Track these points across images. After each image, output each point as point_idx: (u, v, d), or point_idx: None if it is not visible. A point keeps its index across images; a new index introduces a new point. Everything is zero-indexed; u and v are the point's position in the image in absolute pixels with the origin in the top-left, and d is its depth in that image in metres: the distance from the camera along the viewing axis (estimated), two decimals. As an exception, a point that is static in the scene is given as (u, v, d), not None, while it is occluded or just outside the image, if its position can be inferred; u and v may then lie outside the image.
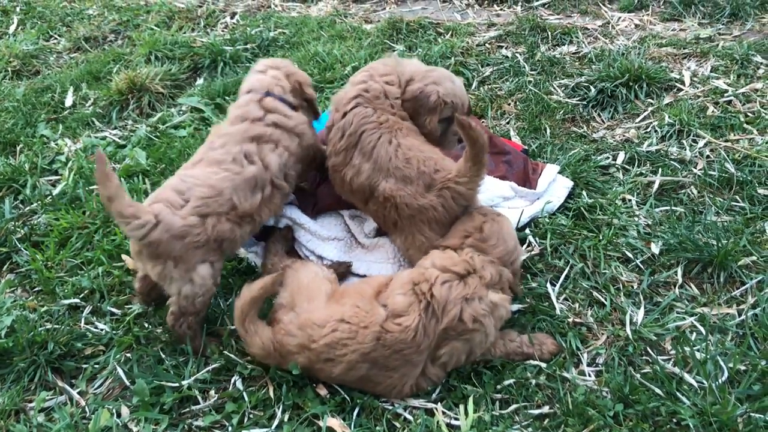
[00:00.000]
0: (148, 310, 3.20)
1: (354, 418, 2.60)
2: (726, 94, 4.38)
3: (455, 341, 2.61)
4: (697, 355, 2.71)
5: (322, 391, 2.71)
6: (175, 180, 2.96)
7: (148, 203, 2.87)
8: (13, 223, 3.80)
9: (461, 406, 2.57)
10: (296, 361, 2.68)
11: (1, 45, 5.89)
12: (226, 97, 4.84)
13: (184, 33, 5.91)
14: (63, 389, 2.89)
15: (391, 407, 2.65)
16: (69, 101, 5.07)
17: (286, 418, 2.63)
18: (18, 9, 6.66)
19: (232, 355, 2.90)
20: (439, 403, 2.66)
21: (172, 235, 2.79)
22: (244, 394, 2.75)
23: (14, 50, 5.73)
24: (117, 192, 2.67)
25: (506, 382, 2.72)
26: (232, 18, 6.23)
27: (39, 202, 3.94)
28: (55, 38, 6.18)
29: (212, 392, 2.79)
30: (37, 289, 3.41)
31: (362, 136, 3.06)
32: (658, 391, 2.60)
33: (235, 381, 2.83)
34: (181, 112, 4.79)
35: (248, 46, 5.53)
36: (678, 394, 2.57)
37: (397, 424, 2.60)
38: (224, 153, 3.00)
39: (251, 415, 2.68)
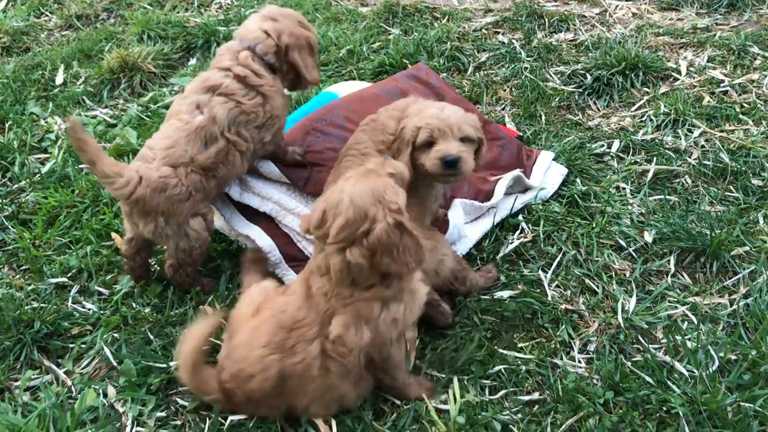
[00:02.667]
0: (135, 289, 3.17)
1: (342, 402, 2.59)
2: (722, 85, 4.36)
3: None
4: (688, 344, 2.70)
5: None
6: (150, 139, 3.02)
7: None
8: (0, 200, 3.75)
9: (450, 391, 2.55)
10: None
11: (-9, 21, 5.82)
12: (219, 78, 4.78)
13: (178, 12, 5.85)
14: (49, 368, 2.86)
15: (379, 392, 2.63)
16: (59, 79, 5.02)
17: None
18: (9, -15, 6.58)
19: (217, 341, 2.87)
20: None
21: (153, 189, 2.82)
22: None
23: (4, 26, 5.66)
24: (97, 154, 2.72)
25: (495, 369, 2.70)
26: (226, -2, 6.17)
27: (27, 180, 3.89)
28: (47, 15, 6.10)
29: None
30: (24, 267, 3.37)
31: (343, 160, 2.94)
32: (648, 379, 2.59)
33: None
34: (173, 92, 4.73)
35: (242, 26, 5.47)
36: (668, 382, 2.56)
37: (386, 409, 2.58)
38: (182, 103, 3.00)
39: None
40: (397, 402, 2.59)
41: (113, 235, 3.41)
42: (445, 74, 4.70)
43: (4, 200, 3.76)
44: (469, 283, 2.98)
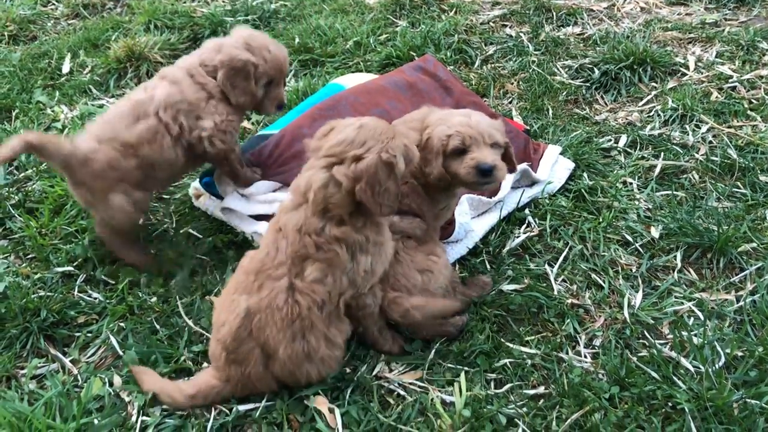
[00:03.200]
0: (141, 279, 3.17)
1: (348, 395, 2.58)
2: (731, 80, 4.35)
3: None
4: (695, 340, 2.70)
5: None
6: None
7: None
8: (7, 189, 3.76)
9: (455, 384, 2.55)
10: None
11: (-3, 9, 5.81)
12: (226, 69, 4.77)
13: (184, 3, 5.84)
14: (55, 357, 2.86)
15: (385, 384, 2.63)
16: (66, 68, 5.01)
17: (278, 395, 2.61)
18: (16, -27, 6.56)
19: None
20: (433, 384, 2.65)
21: (78, 161, 2.98)
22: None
23: (11, 15, 5.65)
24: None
25: (501, 362, 2.70)
26: (233, -11, 6.14)
27: (34, 168, 3.89)
28: (53, 4, 6.10)
29: (205, 364, 2.76)
30: (30, 256, 3.37)
31: None
32: (654, 374, 2.58)
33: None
34: (179, 82, 4.72)
35: (249, 17, 5.46)
36: (674, 378, 2.55)
37: (391, 401, 2.58)
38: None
39: (244, 389, 2.66)
40: (402, 394, 2.59)
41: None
42: (452, 67, 4.69)
43: (11, 189, 3.76)
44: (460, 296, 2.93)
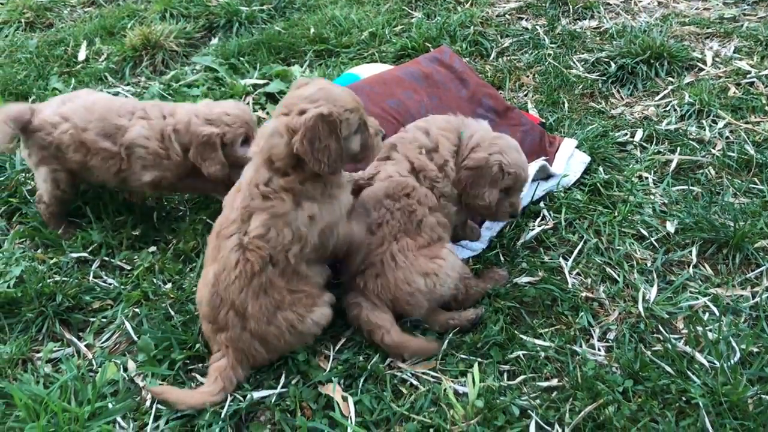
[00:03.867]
0: (156, 265, 3.18)
1: (360, 384, 2.59)
2: (748, 76, 4.31)
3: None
4: (710, 335, 2.69)
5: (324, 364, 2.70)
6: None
7: None
8: (23, 174, 3.77)
9: (468, 375, 2.56)
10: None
11: (15, -4, 5.83)
12: (241, 58, 4.79)
13: (200, -9, 5.82)
14: (70, 341, 2.89)
15: (398, 374, 2.64)
16: (82, 55, 5.03)
17: (292, 382, 2.62)
18: (33, -40, 6.57)
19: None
20: (447, 375, 2.65)
21: (31, 128, 3.26)
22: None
23: (28, 2, 5.68)
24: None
25: (514, 354, 2.69)
26: (248, -22, 6.14)
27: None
28: (70, -9, 6.11)
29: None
30: (45, 241, 3.39)
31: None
32: (668, 369, 2.57)
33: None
34: (194, 71, 4.74)
35: (264, 7, 5.47)
36: (688, 372, 2.54)
37: (404, 390, 2.58)
38: (139, 106, 3.36)
39: (257, 376, 2.67)
40: (415, 383, 2.60)
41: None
42: (467, 59, 4.68)
43: (27, 174, 3.78)
44: (473, 297, 2.91)
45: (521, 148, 3.51)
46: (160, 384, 2.63)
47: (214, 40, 5.17)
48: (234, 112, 3.24)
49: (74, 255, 3.26)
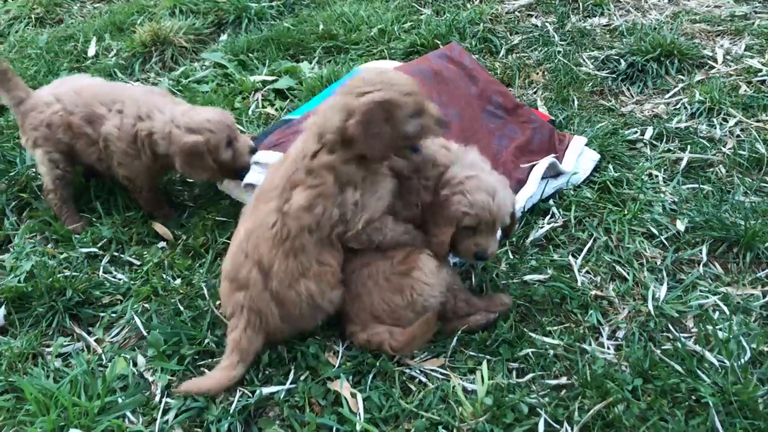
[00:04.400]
0: (165, 261, 3.19)
1: (369, 381, 2.59)
2: (760, 74, 4.28)
3: None
4: (720, 334, 2.67)
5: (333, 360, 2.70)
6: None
7: None
8: (33, 170, 3.79)
9: (477, 372, 2.55)
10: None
11: (25, -8, 5.85)
12: (250, 54, 4.79)
13: (209, -13, 5.83)
14: (80, 336, 2.90)
15: (407, 370, 2.64)
16: (92, 51, 5.04)
17: (301, 378, 2.62)
18: (42, -44, 6.59)
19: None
20: (455, 372, 2.65)
21: (25, 108, 3.36)
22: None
23: (38, -3, 5.69)
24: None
25: (523, 352, 2.69)
26: (257, -26, 6.13)
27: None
28: (80, -13, 6.13)
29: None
30: (55, 236, 3.41)
31: None
32: (678, 367, 2.56)
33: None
34: (204, 67, 4.75)
35: (274, 3, 5.47)
36: (698, 372, 2.53)
37: (413, 387, 2.58)
38: (129, 92, 3.42)
39: (266, 372, 2.67)
40: (424, 380, 2.60)
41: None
42: (477, 56, 4.67)
43: (37, 170, 3.78)
44: (463, 309, 2.81)
45: (531, 147, 3.53)
46: (170, 379, 2.64)
47: (224, 37, 5.18)
48: (215, 117, 3.18)
49: (84, 250, 3.28)
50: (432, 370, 2.63)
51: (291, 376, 2.62)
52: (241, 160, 3.26)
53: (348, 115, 2.40)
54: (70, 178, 3.48)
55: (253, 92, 4.39)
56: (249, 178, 3.25)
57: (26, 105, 3.37)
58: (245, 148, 3.27)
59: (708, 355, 2.60)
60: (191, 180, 3.37)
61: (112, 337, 2.90)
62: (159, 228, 3.38)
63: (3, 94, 3.41)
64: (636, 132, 3.91)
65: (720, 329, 2.71)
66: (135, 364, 2.73)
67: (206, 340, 2.77)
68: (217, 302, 2.95)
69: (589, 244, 3.17)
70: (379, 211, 2.61)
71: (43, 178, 3.44)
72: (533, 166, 3.43)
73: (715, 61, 4.49)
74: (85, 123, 3.30)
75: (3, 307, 2.97)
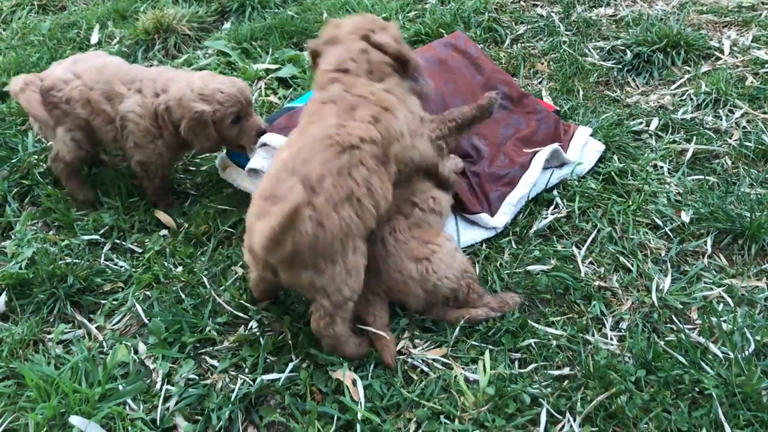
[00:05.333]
0: (167, 249, 3.18)
1: (371, 370, 2.58)
2: (767, 65, 4.24)
3: None
4: (724, 326, 2.66)
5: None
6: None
7: None
8: (35, 156, 3.78)
9: (479, 362, 2.54)
10: None
11: (27, -22, 5.81)
12: (253, 42, 4.76)
13: (213, -25, 5.80)
14: (81, 323, 2.89)
15: (409, 359, 2.63)
16: (95, 38, 5.02)
17: (302, 366, 2.61)
18: (45, -57, 6.55)
19: (245, 303, 2.88)
20: (457, 362, 2.64)
21: (43, 88, 3.32)
22: (260, 338, 2.73)
23: (41, -16, 5.66)
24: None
25: (526, 342, 2.67)
26: (261, -38, 6.09)
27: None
28: (82, -26, 6.09)
29: (230, 338, 2.77)
30: (57, 223, 3.40)
31: None
32: (681, 359, 2.54)
33: (251, 326, 2.81)
34: (207, 55, 4.73)
35: (277, -9, 5.43)
36: (702, 363, 2.52)
37: (414, 377, 2.57)
38: (144, 73, 3.39)
39: (267, 360, 2.66)
40: (426, 370, 2.59)
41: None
42: (481, 45, 4.63)
43: (39, 157, 3.78)
44: (473, 301, 2.79)
45: (535, 137, 3.51)
46: (170, 366, 2.63)
47: (227, 25, 5.15)
48: (229, 90, 3.16)
49: (86, 237, 3.26)
50: (434, 359, 2.62)
51: (291, 365, 2.61)
52: (245, 138, 3.25)
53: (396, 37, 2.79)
54: (88, 157, 3.50)
55: (256, 80, 4.37)
56: (253, 163, 3.22)
57: (43, 86, 3.32)
58: (253, 127, 3.24)
59: (712, 346, 2.59)
60: (195, 151, 3.36)
61: (113, 325, 2.89)
62: (161, 216, 3.37)
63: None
64: (641, 123, 3.88)
65: (724, 321, 2.69)
66: (136, 352, 2.73)
67: (207, 328, 2.77)
68: (220, 287, 2.95)
69: (593, 235, 3.15)
70: (414, 129, 2.71)
71: (61, 152, 3.41)
72: (536, 152, 3.41)
73: (722, 52, 4.45)
74: (104, 99, 3.28)
75: (4, 293, 2.97)
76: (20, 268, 3.03)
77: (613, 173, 3.46)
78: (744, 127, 3.77)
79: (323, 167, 2.38)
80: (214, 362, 2.67)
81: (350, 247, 2.46)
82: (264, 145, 3.21)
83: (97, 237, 3.28)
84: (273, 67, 4.48)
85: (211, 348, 2.73)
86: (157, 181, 3.41)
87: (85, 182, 3.54)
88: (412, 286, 2.68)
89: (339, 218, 2.38)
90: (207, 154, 3.67)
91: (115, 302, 2.97)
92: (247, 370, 2.61)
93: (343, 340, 2.58)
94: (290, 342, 2.70)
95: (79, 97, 3.29)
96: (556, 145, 3.40)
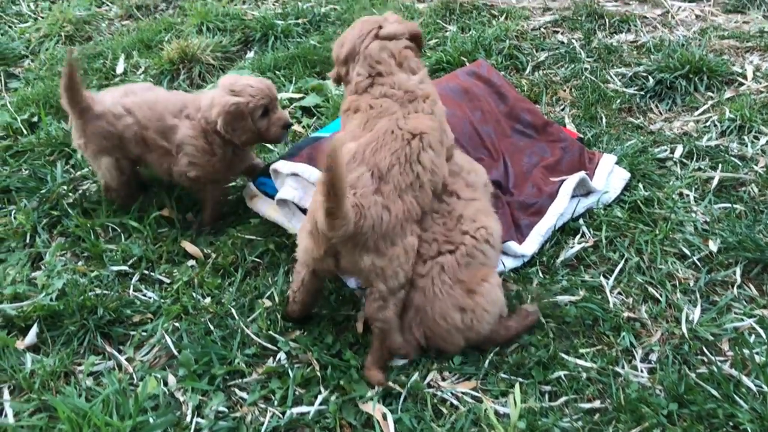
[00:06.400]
0: (195, 279, 3.20)
1: (401, 403, 2.58)
2: (791, 91, 4.24)
3: None
4: (757, 358, 2.63)
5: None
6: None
7: None
8: (64, 187, 3.82)
9: (510, 395, 2.53)
10: None
11: (55, 10, 5.90)
12: (277, 71, 4.81)
13: (235, 5, 5.88)
14: (111, 354, 2.90)
15: (439, 393, 2.62)
16: (120, 68, 5.09)
17: (332, 398, 2.61)
18: (71, -26, 6.67)
19: (274, 334, 2.90)
20: (487, 395, 2.63)
21: (92, 115, 3.37)
22: (289, 371, 2.73)
23: (68, 15, 5.75)
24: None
25: (555, 374, 2.66)
26: (282, -8, 6.18)
27: (89, 167, 3.95)
28: (107, 5, 6.19)
29: (259, 370, 2.77)
30: (86, 254, 3.43)
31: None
32: (714, 392, 2.52)
33: (279, 358, 2.82)
34: (231, 85, 4.77)
35: (300, 21, 5.48)
36: (735, 397, 2.49)
37: (444, 410, 2.57)
38: (190, 99, 3.48)
39: (297, 392, 2.66)
40: (456, 403, 2.58)
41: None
42: (503, 73, 4.65)
43: (68, 187, 3.82)
44: (506, 340, 2.82)
45: (560, 167, 3.51)
46: (200, 399, 2.64)
47: (250, 54, 5.21)
48: (257, 85, 3.29)
49: (115, 268, 3.29)
50: (464, 392, 2.61)
51: (320, 397, 2.61)
52: (273, 130, 3.35)
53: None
54: (132, 179, 3.63)
55: (280, 109, 4.40)
56: (283, 193, 3.24)
57: (91, 113, 3.38)
58: (280, 120, 3.35)
59: (745, 379, 2.57)
60: (235, 142, 3.35)
61: (142, 356, 2.91)
62: (188, 246, 3.39)
63: (66, 97, 3.38)
64: (665, 150, 3.88)
65: (757, 353, 2.66)
66: (166, 384, 2.74)
67: (236, 360, 2.78)
68: (248, 318, 2.97)
69: (620, 265, 3.13)
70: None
71: (107, 181, 3.55)
72: (563, 181, 3.41)
73: (745, 77, 4.45)
74: (159, 137, 3.37)
75: (35, 325, 2.99)
76: (51, 300, 3.05)
77: (639, 201, 3.45)
78: (770, 154, 3.76)
79: (393, 156, 2.58)
80: (244, 394, 2.68)
81: (408, 229, 2.63)
82: (294, 174, 3.23)
83: (125, 268, 3.30)
84: (297, 96, 4.52)
85: (240, 380, 2.73)
86: (215, 193, 3.52)
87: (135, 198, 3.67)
88: (456, 337, 2.68)
89: (403, 203, 2.59)
90: (233, 183, 3.69)
91: (144, 333, 2.98)
92: (276, 403, 2.62)
93: (394, 327, 2.67)
94: (319, 374, 2.71)
95: (132, 136, 3.39)
96: (582, 174, 3.40)
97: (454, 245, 2.73)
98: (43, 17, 5.91)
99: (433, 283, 2.69)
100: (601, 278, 3.08)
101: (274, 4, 5.95)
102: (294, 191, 3.22)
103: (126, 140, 3.39)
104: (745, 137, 3.91)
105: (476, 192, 2.90)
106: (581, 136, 3.93)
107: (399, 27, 2.83)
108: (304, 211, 3.26)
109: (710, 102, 4.27)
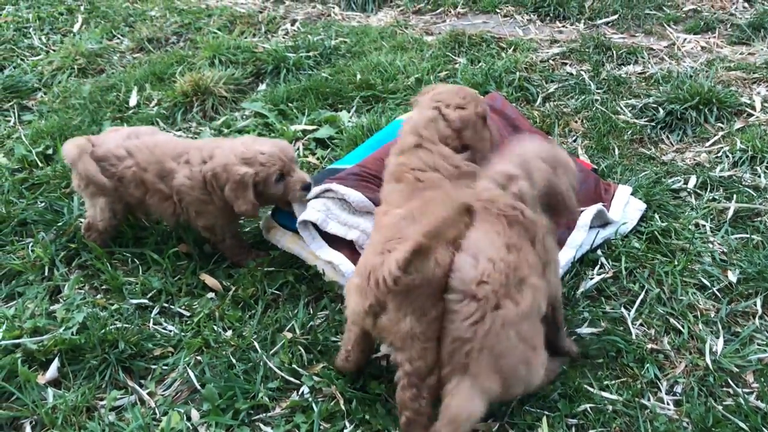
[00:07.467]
0: (216, 312, 3.20)
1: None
2: (800, 122, 4.28)
3: None
4: (783, 390, 2.63)
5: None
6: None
7: None
8: (81, 219, 3.83)
9: (537, 429, 2.52)
10: None
11: (67, 43, 5.97)
12: (289, 104, 4.85)
13: (246, 38, 5.94)
14: (133, 389, 2.89)
15: (465, 426, 2.61)
16: (133, 101, 5.12)
17: (357, 432, 2.61)
18: (82, 8, 6.72)
19: (296, 367, 2.89)
20: (514, 429, 2.62)
21: (94, 157, 3.40)
22: (313, 405, 2.72)
23: (80, 48, 5.80)
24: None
25: (581, 407, 2.66)
26: (292, 25, 6.24)
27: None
28: (119, 38, 6.24)
29: (282, 404, 2.76)
30: (105, 286, 3.43)
31: None
32: (742, 425, 2.52)
33: (303, 391, 2.81)
34: (244, 117, 4.81)
35: (311, 53, 5.54)
36: (764, 429, 2.49)
37: (472, 443, 2.55)
38: (215, 145, 3.45)
39: (321, 426, 2.65)
40: (482, 437, 2.57)
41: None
42: (514, 104, 4.69)
43: (85, 220, 3.83)
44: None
45: (577, 197, 3.52)
46: (224, 434, 2.63)
47: (262, 86, 5.26)
48: (270, 150, 3.28)
49: (134, 301, 3.29)
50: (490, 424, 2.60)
51: (346, 431, 2.60)
52: (291, 194, 3.33)
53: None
54: (117, 227, 3.62)
55: (294, 141, 4.44)
56: (306, 215, 3.27)
57: (95, 154, 3.41)
58: (297, 182, 3.32)
59: (772, 412, 2.56)
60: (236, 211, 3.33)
61: (164, 390, 2.90)
62: (207, 279, 3.40)
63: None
64: (679, 181, 3.91)
65: (783, 385, 2.66)
66: (189, 419, 2.72)
67: (260, 394, 2.77)
68: (270, 352, 2.96)
69: (641, 296, 3.14)
70: None
71: (95, 220, 3.54)
72: (581, 212, 3.43)
73: (754, 108, 4.50)
74: (158, 179, 3.38)
75: (56, 359, 2.98)
76: (72, 334, 3.05)
77: (656, 232, 3.47)
78: (782, 185, 3.79)
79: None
80: (268, 429, 2.67)
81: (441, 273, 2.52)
82: (328, 191, 3.31)
83: (145, 301, 3.30)
84: (310, 128, 4.56)
85: (264, 414, 2.73)
86: (228, 241, 3.49)
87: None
88: (518, 389, 2.50)
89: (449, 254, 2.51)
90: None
91: (165, 367, 2.97)
92: (302, 438, 2.60)
93: (423, 423, 2.46)
94: (344, 408, 2.70)
95: (132, 178, 3.40)
96: (600, 206, 3.42)
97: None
98: (54, 50, 5.96)
99: (498, 338, 2.40)
100: (622, 309, 3.09)
101: (284, 37, 6.01)
102: (318, 213, 3.23)
103: (126, 182, 3.41)
104: (758, 167, 3.95)
105: None
106: (595, 167, 3.96)
107: (455, 120, 2.95)
108: (324, 235, 3.29)
109: (720, 133, 4.31)
